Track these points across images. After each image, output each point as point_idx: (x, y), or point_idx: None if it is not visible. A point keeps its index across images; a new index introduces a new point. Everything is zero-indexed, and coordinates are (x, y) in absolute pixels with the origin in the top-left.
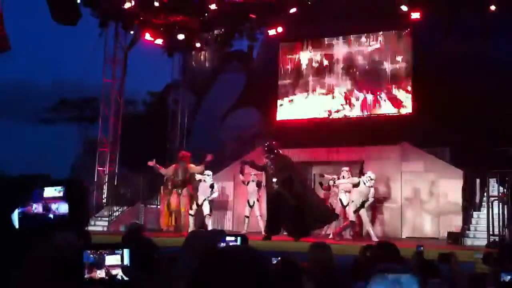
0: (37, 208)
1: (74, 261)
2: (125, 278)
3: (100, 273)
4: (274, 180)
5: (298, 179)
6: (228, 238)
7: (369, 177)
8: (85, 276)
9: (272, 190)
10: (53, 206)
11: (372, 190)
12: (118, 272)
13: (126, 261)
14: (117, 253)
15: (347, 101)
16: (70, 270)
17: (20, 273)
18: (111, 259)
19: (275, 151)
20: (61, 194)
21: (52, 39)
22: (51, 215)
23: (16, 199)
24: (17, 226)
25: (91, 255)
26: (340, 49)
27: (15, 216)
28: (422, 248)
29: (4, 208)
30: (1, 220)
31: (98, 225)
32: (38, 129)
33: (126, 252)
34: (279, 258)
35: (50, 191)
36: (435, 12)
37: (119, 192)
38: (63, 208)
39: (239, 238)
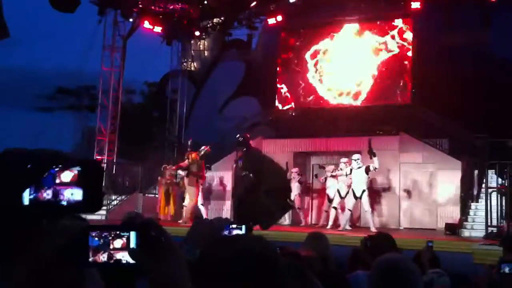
0: (49, 194)
1: (79, 243)
2: (131, 262)
3: (105, 257)
4: (243, 174)
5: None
6: (232, 226)
7: (355, 159)
8: (89, 260)
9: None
10: (66, 193)
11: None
12: (123, 256)
13: (133, 244)
14: (123, 236)
15: (346, 91)
16: (75, 252)
17: (26, 257)
18: (117, 243)
19: (247, 144)
20: (75, 177)
21: (51, 27)
22: (64, 202)
23: (29, 176)
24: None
25: (96, 238)
26: (340, 37)
27: (25, 196)
28: (432, 243)
29: (15, 184)
30: (11, 197)
31: (96, 214)
32: (36, 117)
33: (132, 234)
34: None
35: (64, 174)
36: (435, 2)
37: (117, 181)
38: (77, 193)
39: (243, 227)
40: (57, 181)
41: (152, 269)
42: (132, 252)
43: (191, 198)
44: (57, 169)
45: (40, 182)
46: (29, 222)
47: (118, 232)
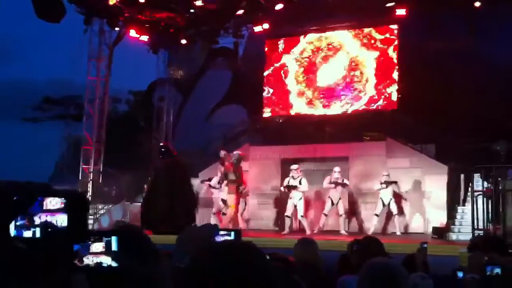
0: (36, 221)
1: (63, 250)
2: (113, 265)
3: (85, 260)
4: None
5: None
6: (221, 233)
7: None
8: (74, 267)
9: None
10: (52, 219)
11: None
12: (103, 260)
13: (114, 248)
14: (104, 240)
15: (333, 97)
16: (60, 259)
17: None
18: (97, 246)
19: (166, 153)
20: (61, 205)
21: (37, 38)
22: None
23: (16, 207)
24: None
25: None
26: (325, 45)
27: (12, 226)
28: (426, 245)
29: (3, 216)
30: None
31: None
32: (22, 127)
33: (114, 239)
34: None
35: (50, 202)
36: (420, 8)
37: (103, 190)
38: (62, 220)
39: (232, 233)
40: (44, 208)
41: (133, 271)
42: (114, 255)
43: (230, 206)
44: (44, 197)
45: (27, 211)
46: (16, 251)
47: (97, 237)
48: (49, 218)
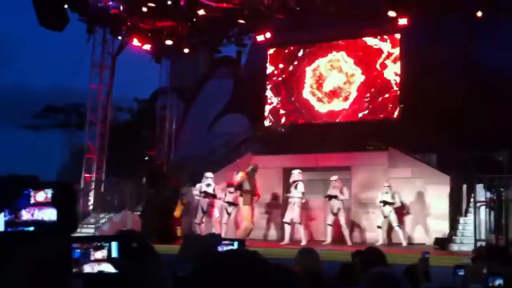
0: (24, 215)
1: (62, 256)
2: (114, 271)
3: (87, 268)
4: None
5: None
6: (224, 242)
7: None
8: (73, 271)
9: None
10: (41, 213)
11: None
12: (105, 266)
13: (115, 254)
14: (105, 247)
15: (335, 106)
16: (59, 265)
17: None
18: (98, 253)
19: (152, 163)
20: (49, 198)
21: (40, 45)
22: (30, 227)
23: (3, 200)
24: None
25: (78, 250)
26: (327, 53)
27: (1, 220)
28: (428, 255)
29: None
30: None
31: (84, 232)
32: (24, 135)
33: (114, 245)
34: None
35: (38, 195)
36: (422, 18)
37: (105, 199)
38: (52, 214)
39: (235, 243)
40: (32, 201)
41: (134, 277)
42: (114, 261)
43: (246, 218)
44: (31, 190)
45: (15, 204)
46: (5, 247)
47: (99, 244)
48: (37, 213)
